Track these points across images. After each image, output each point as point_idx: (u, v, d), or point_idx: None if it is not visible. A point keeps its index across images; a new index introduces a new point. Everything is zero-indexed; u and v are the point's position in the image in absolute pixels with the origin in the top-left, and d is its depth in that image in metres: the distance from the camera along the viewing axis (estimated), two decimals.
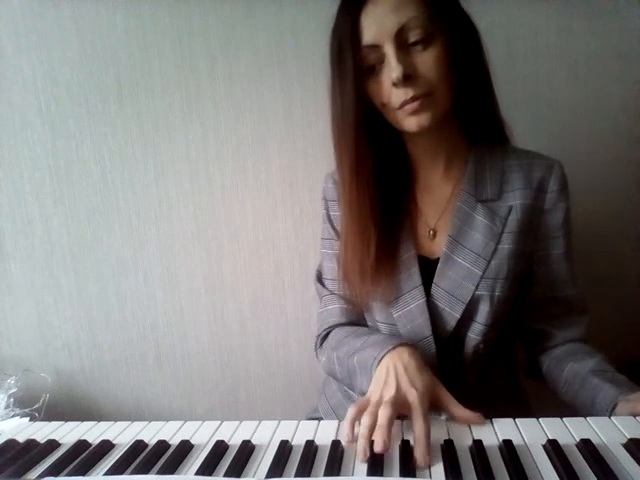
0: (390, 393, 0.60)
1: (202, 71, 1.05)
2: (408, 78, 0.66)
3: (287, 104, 1.07)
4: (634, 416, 0.59)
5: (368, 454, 0.52)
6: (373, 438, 0.53)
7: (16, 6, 1.02)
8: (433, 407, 0.61)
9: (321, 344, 0.86)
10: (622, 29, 1.03)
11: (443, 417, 0.61)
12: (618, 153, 1.08)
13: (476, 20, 0.76)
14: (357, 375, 0.72)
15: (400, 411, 0.58)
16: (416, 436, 0.53)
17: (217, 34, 1.04)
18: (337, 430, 0.59)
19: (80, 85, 1.05)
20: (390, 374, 0.63)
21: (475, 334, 0.75)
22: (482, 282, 0.73)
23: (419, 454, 0.51)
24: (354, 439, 0.55)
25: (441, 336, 0.75)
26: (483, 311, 0.74)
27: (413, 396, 0.58)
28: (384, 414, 0.55)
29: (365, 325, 0.84)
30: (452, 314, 0.74)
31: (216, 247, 1.12)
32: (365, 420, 0.55)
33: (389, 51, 0.66)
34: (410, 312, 0.75)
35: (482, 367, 0.78)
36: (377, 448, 0.51)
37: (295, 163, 1.09)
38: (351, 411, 0.58)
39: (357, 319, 0.84)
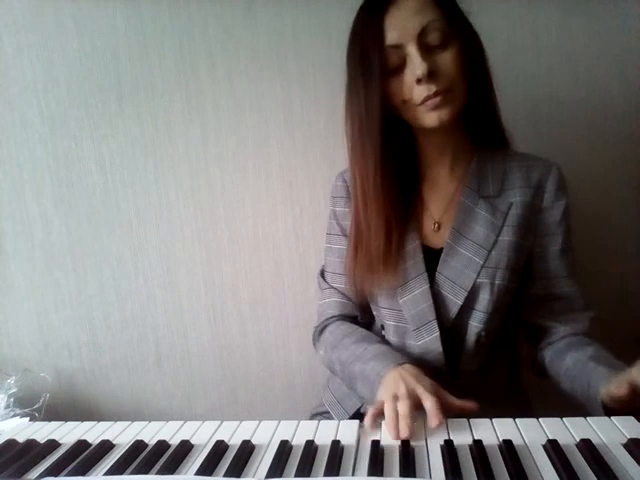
0: (402, 390, 0.65)
1: (202, 71, 1.05)
2: (432, 75, 0.71)
3: (287, 104, 1.07)
4: (615, 400, 0.61)
5: (395, 433, 0.58)
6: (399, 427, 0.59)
7: (16, 6, 1.02)
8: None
9: (319, 336, 0.91)
10: (622, 29, 1.03)
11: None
12: (618, 153, 1.08)
13: (476, 20, 0.77)
14: (358, 382, 0.77)
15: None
16: (428, 408, 0.61)
17: (217, 34, 1.04)
18: (337, 430, 0.59)
19: (80, 85, 1.05)
20: (397, 380, 0.67)
21: (477, 322, 0.78)
22: (483, 271, 0.77)
23: (432, 416, 0.59)
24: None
25: (444, 323, 0.79)
26: (484, 299, 0.78)
27: (421, 389, 0.64)
28: (404, 405, 0.61)
29: (359, 321, 0.90)
30: (454, 301, 0.78)
31: (216, 247, 1.12)
32: (389, 412, 0.61)
33: (412, 50, 0.71)
34: (415, 297, 0.79)
35: (483, 358, 0.80)
36: (403, 434, 0.57)
37: (295, 163, 1.09)
38: (371, 410, 0.64)
39: (354, 313, 0.90)
